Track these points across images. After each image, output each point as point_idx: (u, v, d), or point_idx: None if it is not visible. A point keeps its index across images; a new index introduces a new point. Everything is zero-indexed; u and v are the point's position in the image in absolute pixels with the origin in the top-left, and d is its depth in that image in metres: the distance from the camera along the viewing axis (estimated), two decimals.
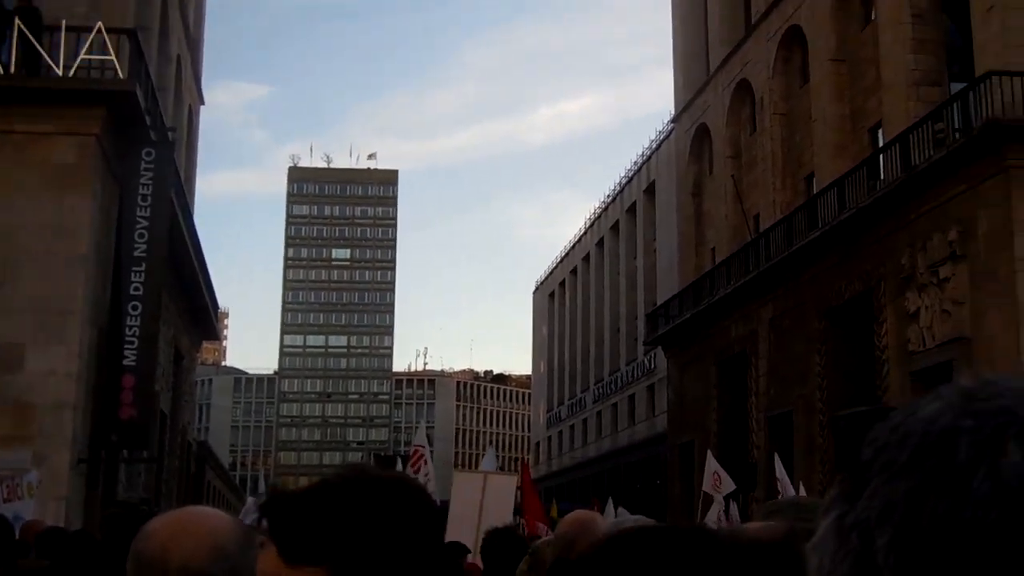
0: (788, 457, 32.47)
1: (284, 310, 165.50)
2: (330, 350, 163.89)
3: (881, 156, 30.86)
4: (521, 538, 6.88)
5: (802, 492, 19.74)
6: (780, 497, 19.68)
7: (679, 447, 44.97)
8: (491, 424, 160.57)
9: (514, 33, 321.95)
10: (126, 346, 19.63)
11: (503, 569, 6.01)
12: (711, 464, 21.56)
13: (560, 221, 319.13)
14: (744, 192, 42.74)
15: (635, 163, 65.96)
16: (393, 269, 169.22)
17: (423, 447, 15.70)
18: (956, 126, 26.85)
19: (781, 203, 39.33)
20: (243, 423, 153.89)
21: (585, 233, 77.13)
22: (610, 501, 20.36)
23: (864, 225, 30.11)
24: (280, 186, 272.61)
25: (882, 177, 30.12)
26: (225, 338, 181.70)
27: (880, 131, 33.51)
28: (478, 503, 11.89)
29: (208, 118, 38.96)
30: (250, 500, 20.83)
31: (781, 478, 19.92)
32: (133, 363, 19.64)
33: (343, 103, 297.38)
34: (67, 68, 18.98)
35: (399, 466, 14.81)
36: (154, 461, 25.90)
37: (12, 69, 18.96)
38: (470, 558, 9.21)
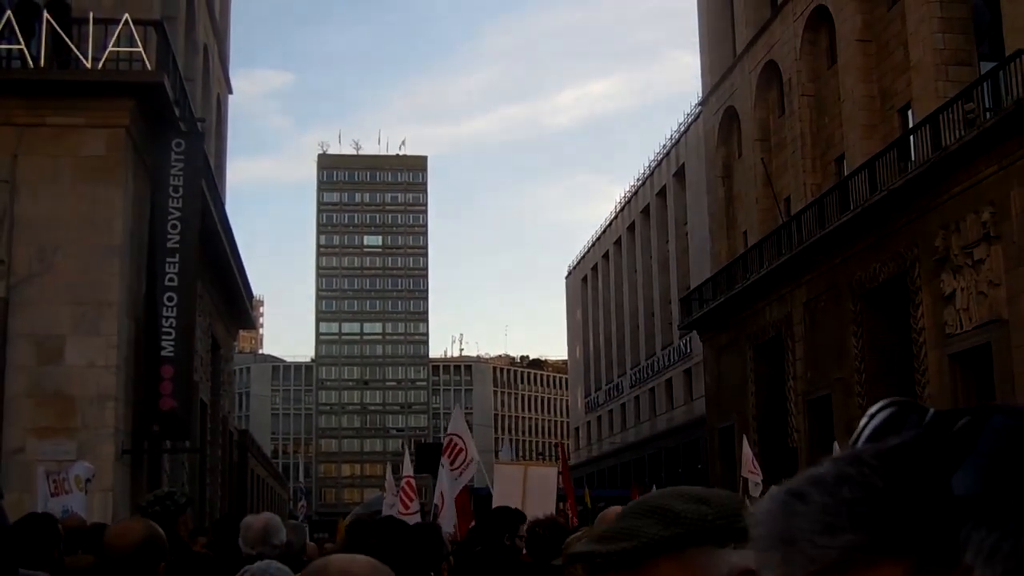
0: (828, 441, 32.41)
1: (318, 297, 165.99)
2: (365, 337, 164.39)
3: (912, 137, 30.65)
4: (563, 528, 6.94)
5: None
6: None
7: (718, 431, 44.90)
8: (529, 410, 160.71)
9: (534, 16, 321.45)
10: (163, 337, 19.78)
11: (547, 559, 6.09)
12: (746, 451, 21.88)
13: (588, 203, 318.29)
14: (774, 175, 42.55)
15: (664, 146, 65.78)
16: (425, 255, 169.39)
17: (458, 435, 14.47)
18: (987, 106, 26.66)
19: (811, 185, 39.15)
20: (283, 411, 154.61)
21: (616, 217, 76.97)
22: (654, 488, 20.45)
23: (896, 206, 29.94)
24: (307, 173, 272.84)
25: (913, 158, 29.93)
26: (261, 326, 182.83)
27: (910, 111, 33.29)
28: (520, 495, 11.90)
29: (232, 106, 39.36)
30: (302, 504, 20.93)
31: None
32: (171, 354, 19.79)
33: (366, 89, 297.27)
34: (96, 60, 19.07)
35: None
36: (197, 451, 26.09)
37: (42, 62, 19.13)
38: None
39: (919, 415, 0.72)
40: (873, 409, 0.76)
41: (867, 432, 0.75)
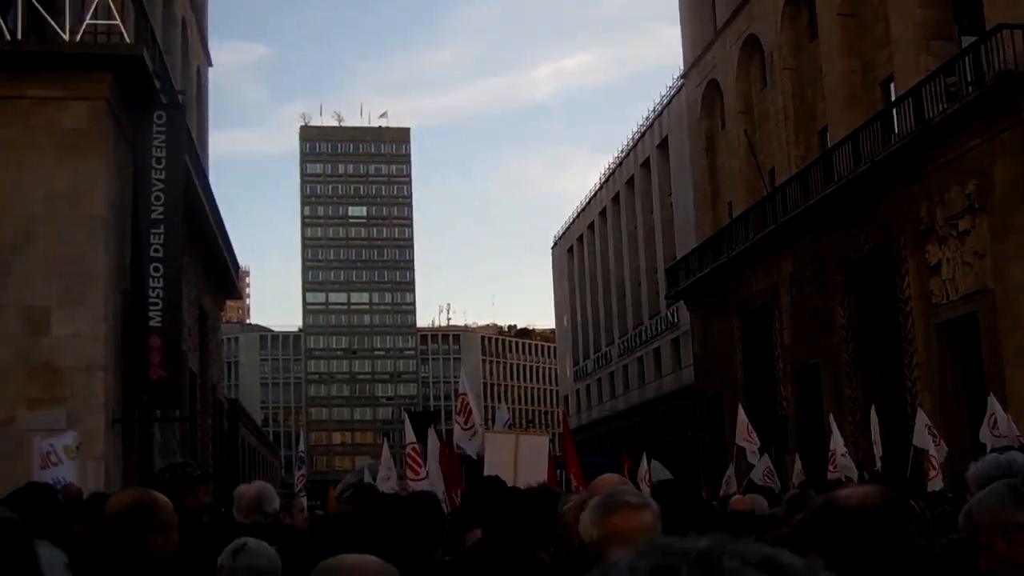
0: (817, 410, 32.64)
1: (304, 268, 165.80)
2: (353, 307, 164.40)
3: (894, 110, 30.77)
4: (555, 496, 6.96)
5: (837, 446, 19.78)
6: (833, 466, 19.61)
7: (707, 400, 45.14)
8: (518, 378, 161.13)
9: None
10: (151, 307, 19.76)
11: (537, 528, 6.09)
12: (742, 418, 21.88)
13: (570, 175, 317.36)
14: (758, 146, 42.60)
15: (647, 118, 65.77)
16: (410, 226, 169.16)
17: (467, 394, 15.21)
18: (968, 79, 26.77)
19: (795, 157, 39.24)
20: (272, 380, 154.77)
21: (600, 188, 77.00)
22: (644, 455, 20.51)
23: (880, 178, 30.06)
24: (287, 146, 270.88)
25: (896, 130, 30.04)
26: (248, 296, 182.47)
27: (892, 84, 33.39)
28: (512, 463, 11.93)
29: (212, 78, 39.25)
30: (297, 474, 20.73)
31: (836, 449, 19.75)
32: (159, 324, 19.76)
33: (344, 62, 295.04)
34: (73, 33, 18.93)
35: (441, 422, 14.42)
36: (187, 420, 26.08)
37: (19, 35, 19.02)
38: None
39: None
40: None
41: None
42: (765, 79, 43.02)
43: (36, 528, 5.22)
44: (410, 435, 14.73)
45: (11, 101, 18.69)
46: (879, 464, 19.98)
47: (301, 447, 23.25)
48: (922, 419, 19.03)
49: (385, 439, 18.24)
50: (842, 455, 19.48)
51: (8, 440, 16.74)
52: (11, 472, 14.05)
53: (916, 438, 18.90)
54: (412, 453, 14.37)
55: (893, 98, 32.23)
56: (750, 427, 21.59)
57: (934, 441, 18.01)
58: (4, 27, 18.84)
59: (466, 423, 14.44)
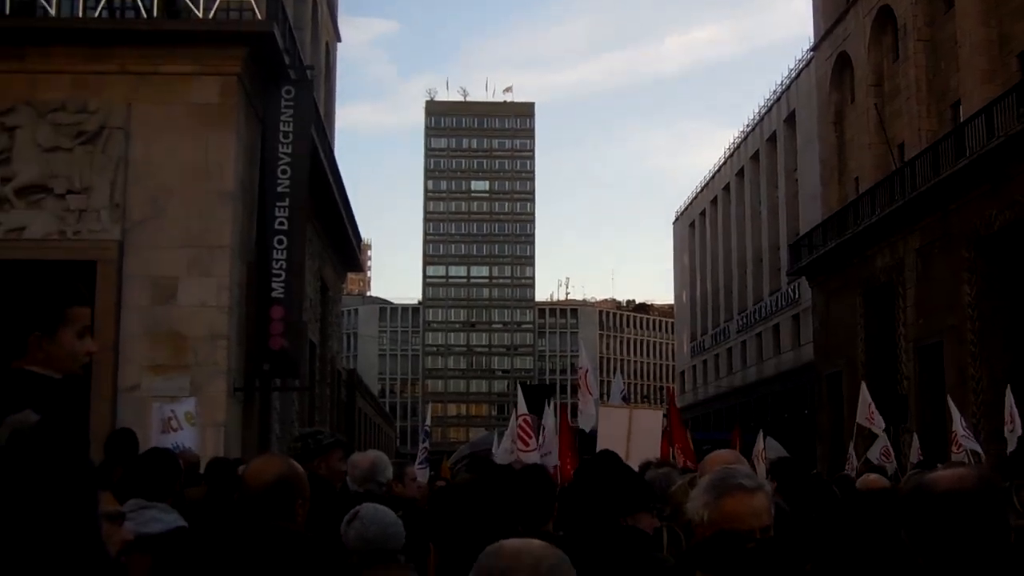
0: (939, 389, 31.92)
1: (425, 241, 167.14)
2: (472, 280, 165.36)
3: None
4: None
5: (958, 426, 19.26)
6: (956, 447, 19.10)
7: (826, 377, 44.50)
8: (634, 353, 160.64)
9: None
10: (274, 279, 20.20)
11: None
12: (865, 397, 21.40)
13: (694, 150, 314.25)
14: (887, 121, 41.63)
15: (774, 92, 64.66)
16: (532, 200, 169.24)
17: (587, 368, 15.33)
18: None
19: (926, 131, 38.21)
20: (390, 351, 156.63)
21: (725, 163, 76.10)
22: (760, 433, 20.26)
23: (1015, 153, 29.14)
24: (413, 120, 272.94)
25: None
26: (369, 269, 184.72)
27: None
28: (625, 437, 11.94)
29: (340, 53, 40.00)
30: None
31: (957, 430, 19.23)
32: (281, 295, 20.20)
33: (472, 37, 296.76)
34: (207, 11, 19.50)
35: (556, 395, 14.53)
36: (306, 389, 26.58)
37: (155, 13, 19.55)
38: None
39: None
40: None
41: None
42: (897, 51, 41.94)
43: (158, 492, 5.40)
44: (522, 407, 14.84)
45: (146, 77, 19.25)
46: (1015, 444, 19.30)
47: (427, 421, 23.11)
48: (1009, 399, 18.56)
49: (514, 412, 18.21)
50: (963, 436, 18.98)
51: (133, 405, 17.25)
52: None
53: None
54: (523, 425, 14.48)
55: None
56: (873, 406, 21.15)
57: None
58: (141, 5, 19.40)
59: (589, 395, 14.59)
